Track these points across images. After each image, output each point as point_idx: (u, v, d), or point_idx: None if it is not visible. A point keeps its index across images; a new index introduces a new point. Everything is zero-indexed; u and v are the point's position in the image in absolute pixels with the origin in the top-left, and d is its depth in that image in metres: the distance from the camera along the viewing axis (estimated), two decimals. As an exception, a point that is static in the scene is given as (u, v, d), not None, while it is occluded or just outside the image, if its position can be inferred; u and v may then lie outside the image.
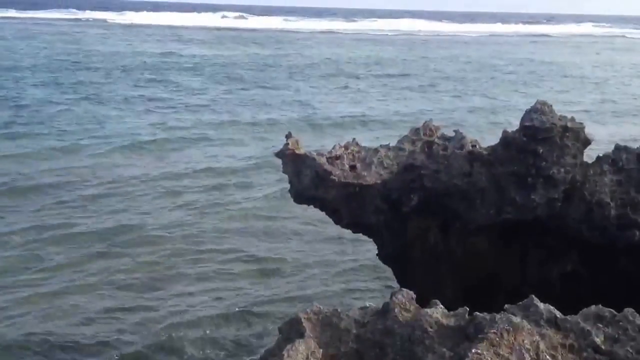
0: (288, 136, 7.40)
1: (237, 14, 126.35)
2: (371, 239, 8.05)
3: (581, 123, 6.89)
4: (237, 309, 10.25)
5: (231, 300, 10.59)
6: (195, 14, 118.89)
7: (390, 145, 7.70)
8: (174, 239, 13.05)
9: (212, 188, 16.58)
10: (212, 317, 9.98)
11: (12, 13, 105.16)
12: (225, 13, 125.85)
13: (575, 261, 7.15)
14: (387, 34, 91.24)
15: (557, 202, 6.86)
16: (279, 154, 7.36)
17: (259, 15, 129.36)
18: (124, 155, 19.43)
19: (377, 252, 8.02)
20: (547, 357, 3.74)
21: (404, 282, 7.58)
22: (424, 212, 7.41)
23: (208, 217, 14.39)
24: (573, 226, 6.94)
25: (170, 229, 13.58)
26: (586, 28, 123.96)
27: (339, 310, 4.51)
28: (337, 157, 7.39)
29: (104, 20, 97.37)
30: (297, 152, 7.28)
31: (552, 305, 4.25)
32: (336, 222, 7.79)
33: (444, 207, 7.30)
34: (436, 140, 7.45)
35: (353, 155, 7.52)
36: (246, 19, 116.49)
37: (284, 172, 7.46)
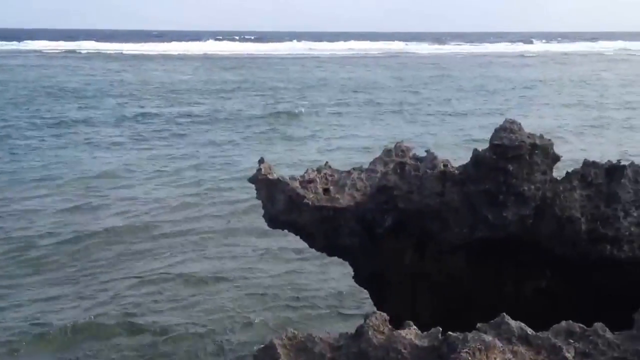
0: (261, 161, 7.42)
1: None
2: (347, 262, 8.06)
3: (549, 140, 6.99)
4: (211, 331, 10.16)
5: (205, 322, 10.49)
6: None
7: (363, 167, 7.75)
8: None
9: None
10: (187, 344, 9.87)
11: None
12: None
13: (549, 277, 7.21)
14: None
15: (528, 219, 6.92)
16: (251, 180, 7.36)
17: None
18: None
19: (353, 274, 8.03)
20: (520, 374, 3.77)
21: (380, 304, 7.59)
22: (399, 233, 7.44)
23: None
24: (545, 242, 7.00)
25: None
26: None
27: (313, 334, 4.51)
28: (310, 181, 7.41)
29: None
30: (269, 177, 7.29)
31: (527, 322, 4.28)
32: (311, 246, 7.80)
33: (418, 228, 7.34)
34: (408, 161, 7.50)
35: (326, 178, 7.56)
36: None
37: (257, 197, 7.46)
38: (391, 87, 48.45)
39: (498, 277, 7.37)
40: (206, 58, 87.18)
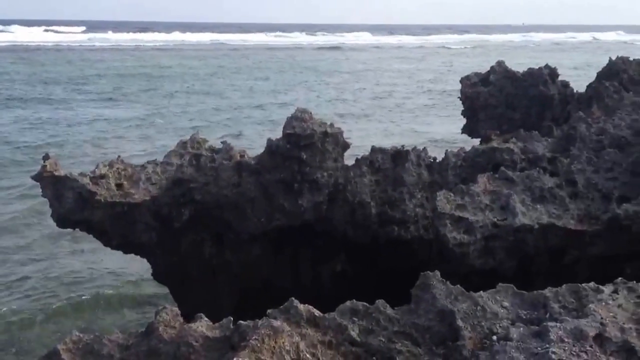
0: (45, 157, 6.95)
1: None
2: (144, 258, 7.80)
3: (339, 128, 7.23)
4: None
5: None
6: None
7: (158, 160, 7.54)
8: None
9: None
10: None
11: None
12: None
13: (344, 261, 7.49)
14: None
15: (322, 205, 7.12)
16: (36, 177, 6.86)
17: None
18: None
19: (151, 271, 7.80)
20: (308, 355, 3.84)
21: (180, 299, 7.46)
22: (197, 226, 7.33)
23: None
24: (339, 227, 7.26)
25: None
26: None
27: (100, 336, 4.30)
28: (102, 176, 7.07)
29: None
30: (56, 173, 6.84)
31: (324, 305, 4.38)
32: (105, 244, 7.44)
33: (216, 220, 7.28)
34: (204, 152, 7.41)
35: (119, 173, 7.25)
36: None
37: (43, 196, 6.97)
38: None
39: (296, 264, 7.53)
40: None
